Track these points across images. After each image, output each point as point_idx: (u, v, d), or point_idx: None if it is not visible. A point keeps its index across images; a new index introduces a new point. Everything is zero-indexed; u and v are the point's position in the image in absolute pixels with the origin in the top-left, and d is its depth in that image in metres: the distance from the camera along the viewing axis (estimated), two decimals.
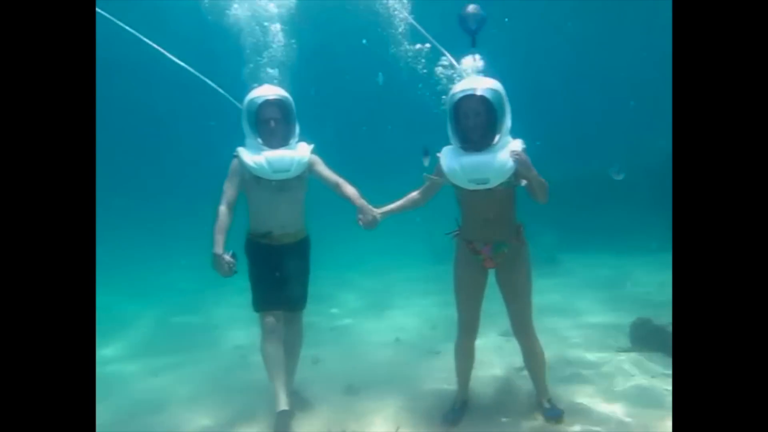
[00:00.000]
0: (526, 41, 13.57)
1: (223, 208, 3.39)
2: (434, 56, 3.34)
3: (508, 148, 2.97)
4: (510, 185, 3.08)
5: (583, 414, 3.37)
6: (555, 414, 3.30)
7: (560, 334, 5.12)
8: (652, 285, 6.72)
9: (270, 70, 3.77)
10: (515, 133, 3.08)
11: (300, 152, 3.48)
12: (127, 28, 3.47)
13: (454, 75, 3.24)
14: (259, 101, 3.38)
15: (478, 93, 2.93)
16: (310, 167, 3.55)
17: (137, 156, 17.23)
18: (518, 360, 3.58)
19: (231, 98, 3.66)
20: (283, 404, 3.39)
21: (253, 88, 3.48)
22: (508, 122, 3.02)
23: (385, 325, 6.12)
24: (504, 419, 3.38)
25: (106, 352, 5.77)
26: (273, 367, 3.47)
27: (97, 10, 2.79)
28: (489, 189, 3.03)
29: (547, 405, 3.35)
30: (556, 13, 13.68)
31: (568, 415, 3.32)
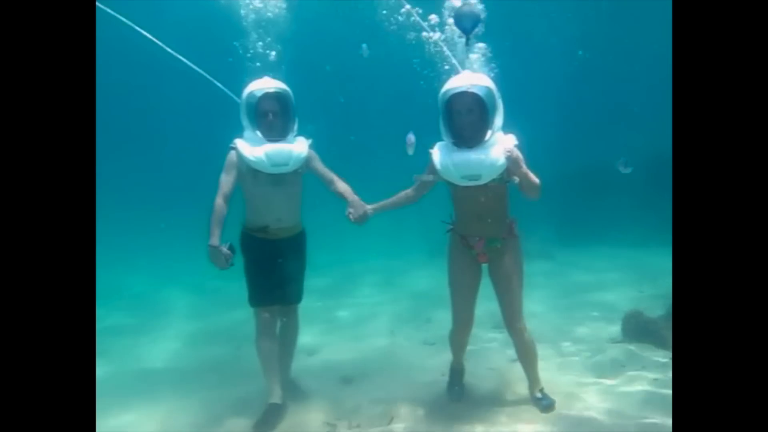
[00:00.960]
0: (527, 37, 13.55)
1: (219, 200, 3.37)
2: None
3: (501, 145, 3.00)
4: (502, 181, 3.11)
5: (573, 403, 3.43)
6: (547, 404, 3.35)
7: (553, 326, 5.19)
8: (645, 278, 6.82)
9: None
10: (512, 127, 3.12)
11: (298, 147, 3.48)
12: (123, 19, 3.45)
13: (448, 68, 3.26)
14: (259, 94, 3.37)
15: (471, 90, 2.95)
16: (307, 162, 3.56)
17: (132, 150, 17.03)
18: (512, 352, 3.64)
19: (228, 91, 3.66)
20: (275, 398, 3.47)
21: (251, 81, 3.45)
22: (499, 119, 3.05)
23: (380, 316, 6.16)
24: (500, 409, 3.43)
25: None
26: (267, 362, 3.54)
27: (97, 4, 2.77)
28: (481, 185, 3.06)
29: (539, 395, 3.41)
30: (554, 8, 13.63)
31: (559, 404, 3.38)
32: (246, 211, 3.58)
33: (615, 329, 4.82)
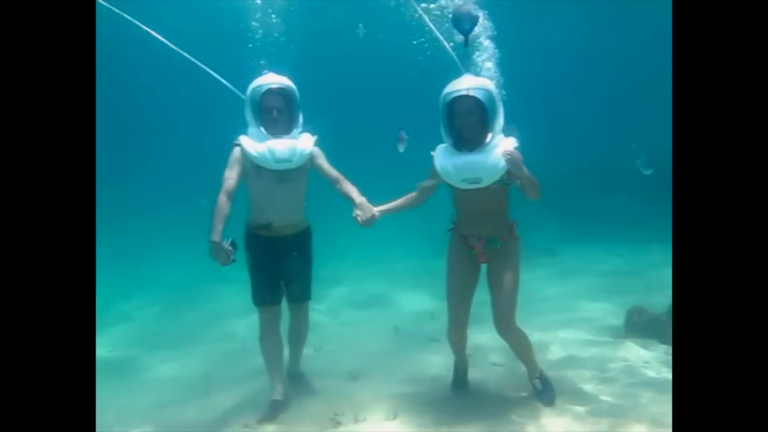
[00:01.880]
0: (527, 34, 13.49)
1: (222, 197, 3.31)
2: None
3: (501, 147, 3.02)
4: (503, 183, 3.12)
5: (577, 397, 3.45)
6: (547, 398, 3.37)
7: (556, 320, 5.21)
8: (648, 275, 6.81)
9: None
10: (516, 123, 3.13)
11: (303, 143, 3.45)
12: (126, 16, 3.45)
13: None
14: (263, 90, 3.35)
15: (471, 93, 2.97)
16: (311, 159, 3.53)
17: (133, 146, 17.06)
18: None
19: (232, 87, 3.65)
20: (277, 394, 3.53)
21: (256, 76, 3.44)
22: (500, 121, 3.06)
23: (384, 314, 6.20)
24: (504, 404, 3.45)
25: (104, 341, 5.83)
26: (270, 360, 3.59)
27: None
28: (482, 187, 3.07)
29: (539, 386, 3.42)
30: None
31: (562, 398, 3.40)
32: (250, 208, 3.55)
33: (618, 324, 4.83)
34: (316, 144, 3.54)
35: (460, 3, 3.10)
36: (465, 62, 3.26)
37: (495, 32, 3.43)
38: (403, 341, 5.05)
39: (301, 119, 3.49)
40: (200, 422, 3.60)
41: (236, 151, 3.43)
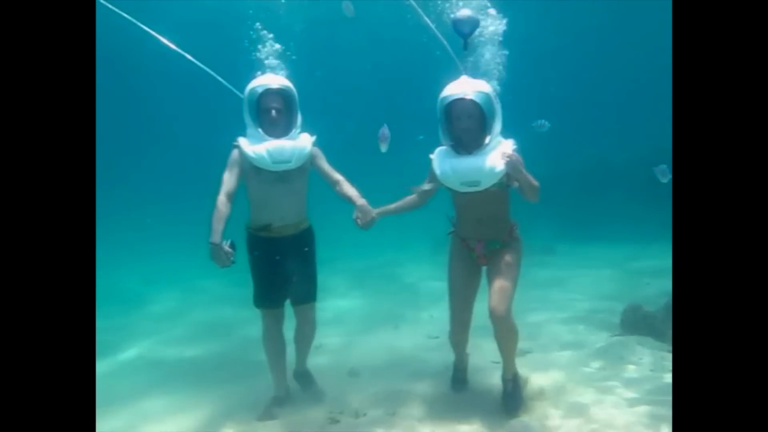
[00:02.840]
0: (527, 33, 13.48)
1: (222, 198, 3.28)
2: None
3: (500, 149, 3.02)
4: (502, 186, 3.12)
5: (572, 393, 3.46)
6: (512, 406, 3.23)
7: (553, 317, 5.24)
8: (644, 273, 6.83)
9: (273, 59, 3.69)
10: (514, 126, 3.13)
11: (301, 143, 3.42)
12: (125, 15, 3.45)
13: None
14: (261, 90, 3.32)
15: (469, 96, 2.97)
16: (312, 159, 3.50)
17: (132, 147, 17.03)
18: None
19: (232, 87, 3.64)
20: (278, 391, 3.59)
21: (255, 77, 3.43)
22: (498, 124, 3.07)
23: (384, 311, 6.22)
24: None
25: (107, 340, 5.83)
26: (273, 361, 3.63)
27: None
28: (482, 190, 3.08)
29: (509, 387, 3.31)
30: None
31: (556, 395, 3.42)
32: (250, 209, 3.52)
33: (614, 322, 4.85)
34: (315, 144, 3.51)
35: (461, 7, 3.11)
36: (465, 63, 3.26)
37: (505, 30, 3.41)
38: (403, 339, 5.08)
39: (300, 120, 3.45)
40: (202, 418, 3.62)
41: (235, 152, 3.41)
